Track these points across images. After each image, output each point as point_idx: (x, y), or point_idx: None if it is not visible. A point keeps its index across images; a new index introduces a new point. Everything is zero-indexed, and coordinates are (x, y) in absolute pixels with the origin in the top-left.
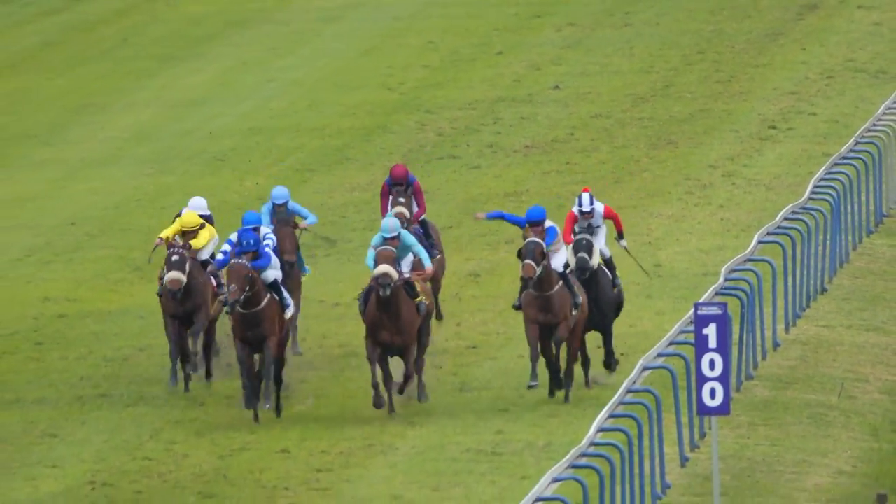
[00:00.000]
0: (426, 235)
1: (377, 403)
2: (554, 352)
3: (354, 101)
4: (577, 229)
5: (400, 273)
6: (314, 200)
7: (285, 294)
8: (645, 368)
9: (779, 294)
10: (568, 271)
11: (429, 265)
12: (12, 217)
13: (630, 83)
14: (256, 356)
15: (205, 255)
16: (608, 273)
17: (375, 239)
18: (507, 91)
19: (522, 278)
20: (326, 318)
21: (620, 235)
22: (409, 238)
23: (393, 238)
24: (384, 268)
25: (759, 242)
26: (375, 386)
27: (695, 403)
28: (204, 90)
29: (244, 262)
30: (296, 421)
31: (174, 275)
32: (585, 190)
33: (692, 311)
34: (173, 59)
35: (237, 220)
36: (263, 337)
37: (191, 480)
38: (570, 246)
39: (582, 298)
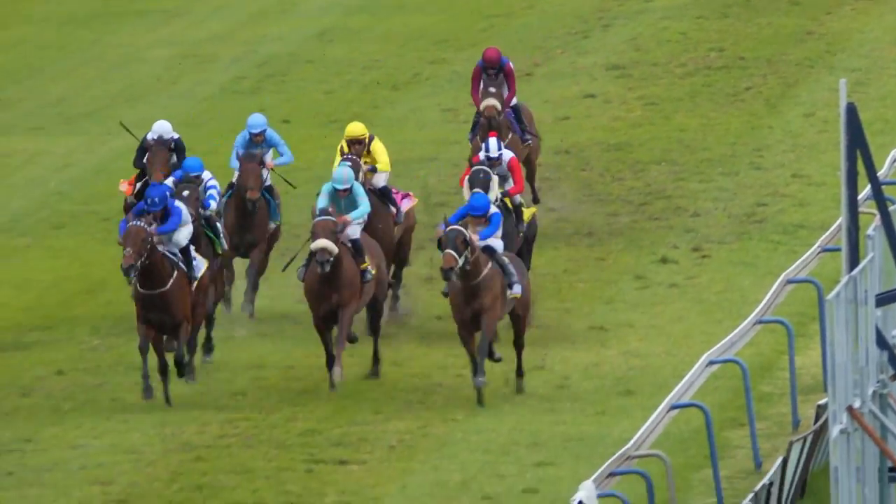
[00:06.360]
0: (517, 120)
1: (332, 380)
2: (478, 343)
3: None
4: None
5: (342, 239)
6: None
7: (195, 262)
8: None
9: None
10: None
11: (356, 219)
12: None
13: None
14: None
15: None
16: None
17: (325, 186)
18: None
19: (442, 269)
20: None
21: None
22: (360, 190)
23: (345, 190)
24: (322, 242)
25: None
26: (328, 356)
27: None
28: None
29: (143, 224)
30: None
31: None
32: (492, 134)
33: None
34: None
35: None
36: (173, 321)
37: None
38: (467, 179)
39: (518, 279)
